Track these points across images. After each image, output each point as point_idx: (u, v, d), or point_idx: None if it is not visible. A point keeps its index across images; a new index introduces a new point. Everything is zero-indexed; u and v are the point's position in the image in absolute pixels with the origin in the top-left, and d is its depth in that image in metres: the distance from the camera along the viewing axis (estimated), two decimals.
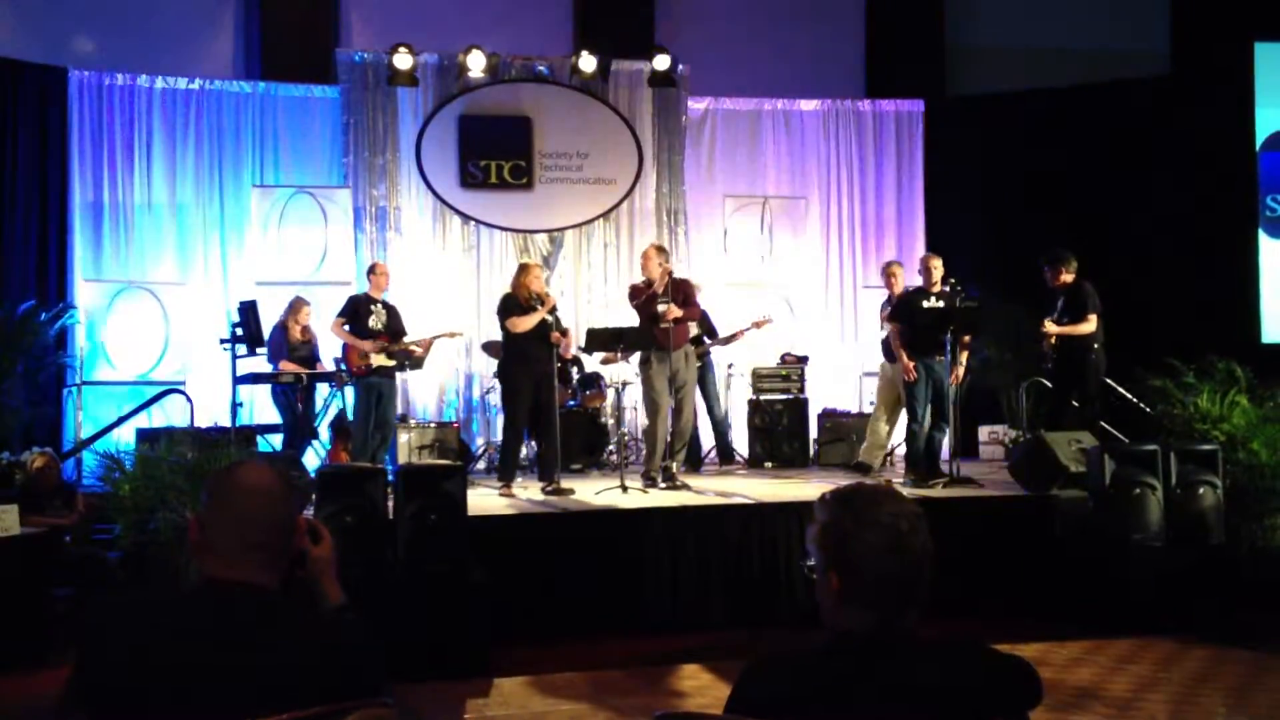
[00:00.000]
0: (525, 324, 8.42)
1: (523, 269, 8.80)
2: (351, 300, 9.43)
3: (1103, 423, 8.16)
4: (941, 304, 8.67)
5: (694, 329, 9.41)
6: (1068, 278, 8.87)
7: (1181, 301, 11.38)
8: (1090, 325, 8.66)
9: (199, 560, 2.19)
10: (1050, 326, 8.77)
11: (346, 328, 9.19)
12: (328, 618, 2.32)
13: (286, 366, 9.57)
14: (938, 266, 8.80)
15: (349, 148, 11.57)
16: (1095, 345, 8.75)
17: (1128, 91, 12.12)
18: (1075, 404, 8.87)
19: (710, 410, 10.45)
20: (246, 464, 2.30)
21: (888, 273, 9.93)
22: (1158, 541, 7.09)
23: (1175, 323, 10.88)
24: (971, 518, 7.60)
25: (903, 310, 8.92)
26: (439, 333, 9.91)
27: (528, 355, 8.46)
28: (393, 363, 9.31)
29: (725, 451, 10.61)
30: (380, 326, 9.27)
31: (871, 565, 2.06)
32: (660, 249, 9.04)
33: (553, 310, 8.63)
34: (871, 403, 10.79)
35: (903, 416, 9.14)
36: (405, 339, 9.49)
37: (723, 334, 10.58)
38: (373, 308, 9.32)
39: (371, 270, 9.60)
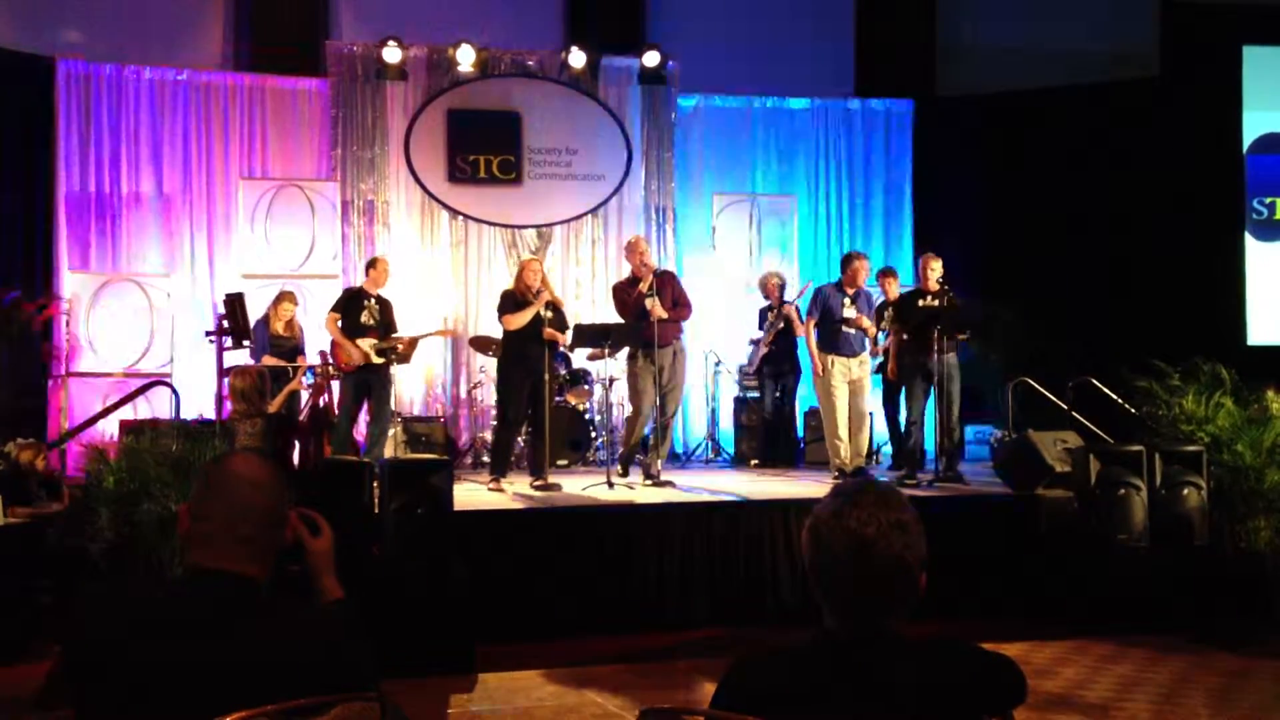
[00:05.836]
0: (516, 321, 8.40)
1: (521, 265, 8.82)
2: (346, 293, 9.39)
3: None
4: (936, 304, 8.74)
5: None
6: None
7: (1168, 303, 11.40)
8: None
9: (188, 550, 2.18)
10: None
11: (339, 323, 9.16)
12: (317, 610, 2.31)
13: (268, 360, 9.53)
14: (935, 268, 8.87)
15: (337, 141, 11.53)
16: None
17: (1116, 93, 12.14)
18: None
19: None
20: (239, 455, 2.31)
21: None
22: (1142, 542, 7.12)
23: (1161, 324, 10.88)
24: (956, 516, 7.62)
25: (899, 310, 9.02)
26: (429, 331, 9.79)
27: (523, 354, 8.44)
28: (381, 360, 9.27)
29: None
30: (373, 322, 9.23)
31: (829, 568, 2.03)
32: (646, 241, 9.07)
33: (556, 309, 8.58)
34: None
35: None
36: (394, 335, 9.45)
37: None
38: (366, 303, 9.26)
39: (372, 265, 9.54)
